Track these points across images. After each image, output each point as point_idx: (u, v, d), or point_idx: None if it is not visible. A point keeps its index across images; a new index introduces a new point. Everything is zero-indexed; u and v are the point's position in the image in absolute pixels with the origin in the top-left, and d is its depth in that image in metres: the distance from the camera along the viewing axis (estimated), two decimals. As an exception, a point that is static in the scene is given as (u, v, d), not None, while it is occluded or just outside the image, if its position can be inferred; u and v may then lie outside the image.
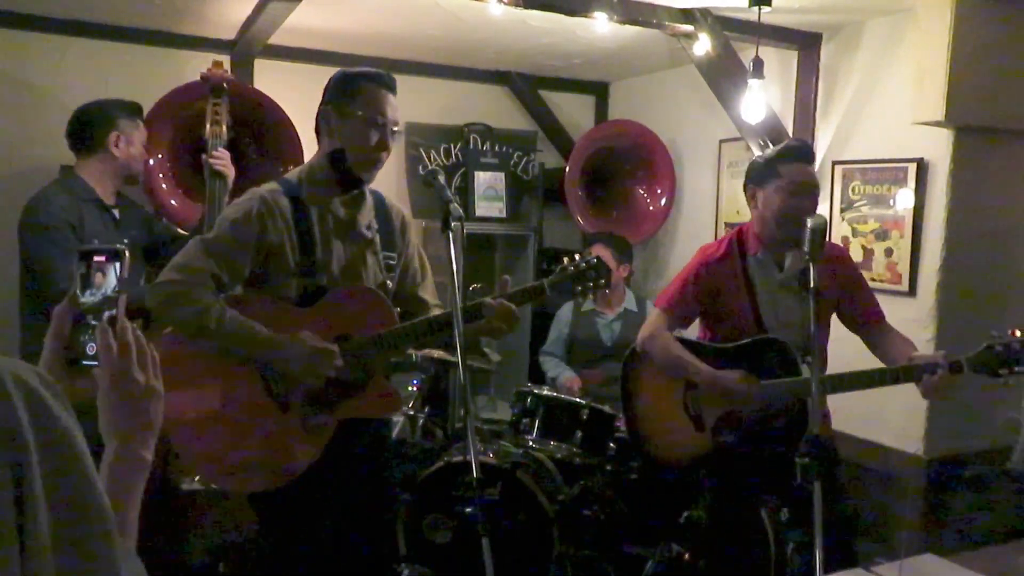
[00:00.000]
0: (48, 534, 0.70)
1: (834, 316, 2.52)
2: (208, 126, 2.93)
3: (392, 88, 2.05)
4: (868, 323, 2.47)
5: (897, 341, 2.41)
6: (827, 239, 2.27)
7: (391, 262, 2.18)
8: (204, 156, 2.90)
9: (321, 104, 2.06)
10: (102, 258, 1.03)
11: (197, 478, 2.46)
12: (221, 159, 2.89)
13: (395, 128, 2.05)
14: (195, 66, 3.66)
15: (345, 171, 2.03)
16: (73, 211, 2.64)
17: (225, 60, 3.95)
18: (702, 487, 2.82)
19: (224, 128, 2.95)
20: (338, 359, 1.97)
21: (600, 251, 3.83)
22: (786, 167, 2.36)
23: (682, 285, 2.53)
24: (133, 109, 2.85)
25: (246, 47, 3.89)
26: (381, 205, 2.20)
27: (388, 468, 2.36)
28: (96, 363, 1.00)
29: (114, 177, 2.79)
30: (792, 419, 2.35)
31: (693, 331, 2.68)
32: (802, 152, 2.41)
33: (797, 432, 2.31)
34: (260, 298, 2.02)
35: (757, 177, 2.43)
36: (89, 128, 2.77)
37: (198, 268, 1.92)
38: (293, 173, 2.11)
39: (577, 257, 2.13)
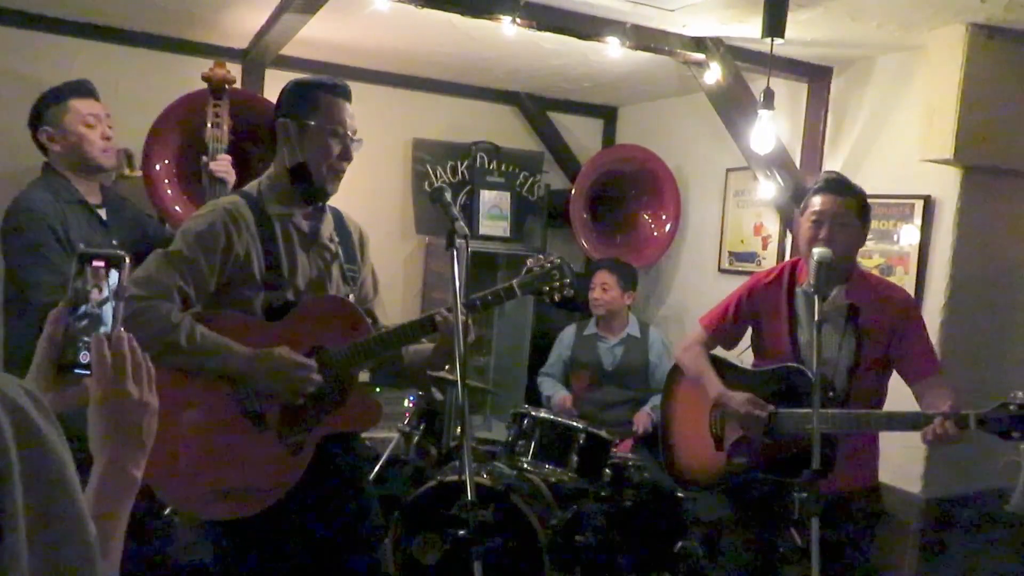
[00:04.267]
0: (25, 554, 0.68)
1: None
2: (208, 128, 2.80)
3: (348, 97, 2.01)
4: (912, 375, 2.33)
5: (939, 399, 2.20)
6: (833, 272, 2.25)
7: (352, 274, 2.13)
8: (204, 160, 2.76)
9: (277, 115, 2.00)
10: (101, 263, 0.99)
11: (168, 510, 2.36)
12: (222, 165, 2.77)
13: (355, 138, 2.01)
14: (206, 74, 3.66)
15: (308, 184, 1.99)
16: (56, 215, 2.41)
17: (236, 69, 3.97)
18: (698, 519, 2.78)
19: (225, 130, 2.81)
20: (316, 373, 1.91)
21: (604, 277, 3.85)
22: (812, 199, 2.36)
23: (726, 306, 2.56)
24: (60, 92, 2.53)
25: (258, 57, 3.90)
26: (340, 220, 2.17)
27: (366, 487, 2.22)
28: (88, 372, 0.96)
29: (78, 173, 2.54)
30: (802, 450, 2.32)
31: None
32: (829, 183, 2.38)
33: (806, 463, 2.27)
34: (226, 314, 1.93)
35: (797, 212, 2.48)
36: (30, 128, 2.54)
37: (162, 282, 1.83)
38: (251, 186, 2.05)
39: (541, 257, 2.10)
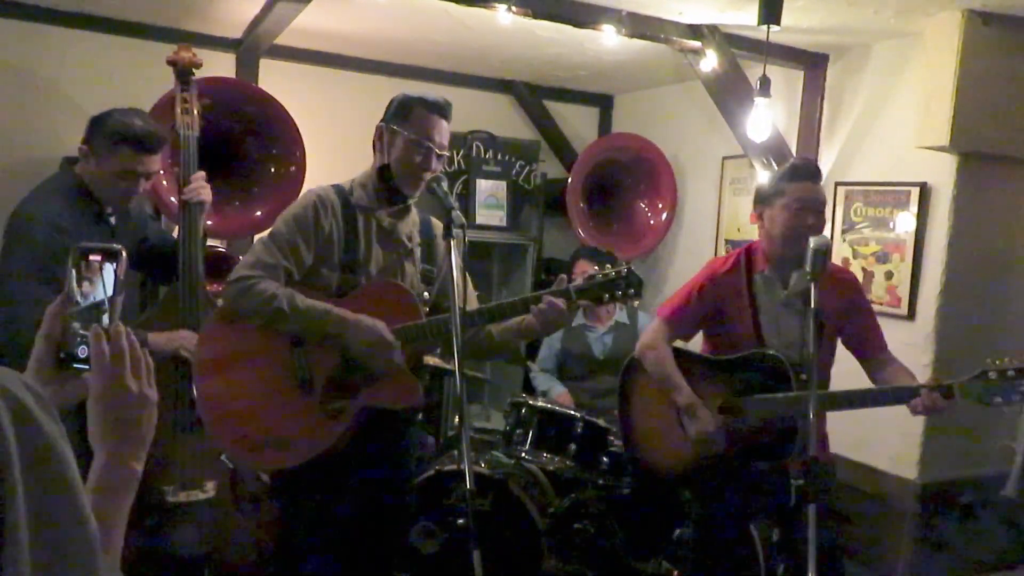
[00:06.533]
0: (27, 549, 0.68)
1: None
2: (178, 114, 2.68)
3: (445, 115, 2.17)
4: (867, 352, 2.45)
5: (898, 372, 2.37)
6: (829, 260, 2.26)
7: (429, 274, 2.28)
8: (179, 184, 2.62)
9: (379, 121, 2.20)
10: (98, 257, 0.98)
11: (223, 456, 2.47)
12: (196, 188, 2.60)
13: (442, 152, 2.16)
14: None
15: (390, 185, 2.17)
16: (68, 221, 2.32)
17: (231, 58, 3.96)
18: (693, 503, 2.79)
19: (196, 116, 2.70)
20: (400, 356, 2.05)
21: (585, 267, 3.81)
22: (791, 185, 2.36)
23: (686, 297, 2.52)
24: (117, 132, 2.39)
25: (252, 46, 3.88)
26: (426, 223, 2.32)
27: (407, 468, 2.38)
28: (87, 366, 0.96)
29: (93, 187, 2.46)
30: (779, 434, 2.34)
31: (696, 343, 2.67)
32: (808, 170, 2.41)
33: (784, 447, 2.29)
34: (303, 290, 2.11)
35: (764, 197, 2.45)
36: (88, 128, 2.45)
37: (268, 262, 2.07)
38: (346, 181, 2.24)
39: (608, 266, 2.12)
